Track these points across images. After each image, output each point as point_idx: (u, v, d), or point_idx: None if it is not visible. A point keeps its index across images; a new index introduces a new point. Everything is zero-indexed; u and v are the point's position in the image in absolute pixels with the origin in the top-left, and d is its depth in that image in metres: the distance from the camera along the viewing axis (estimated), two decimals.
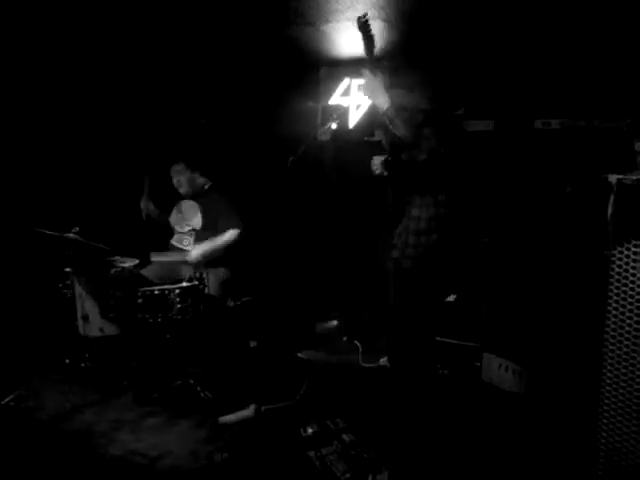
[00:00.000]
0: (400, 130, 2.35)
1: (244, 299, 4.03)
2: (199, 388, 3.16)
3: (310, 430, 2.76)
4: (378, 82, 2.38)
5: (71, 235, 3.37)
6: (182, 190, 3.82)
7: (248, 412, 2.92)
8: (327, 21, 3.51)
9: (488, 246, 3.84)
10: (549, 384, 3.24)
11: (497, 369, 3.48)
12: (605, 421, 2.05)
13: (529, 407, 3.16)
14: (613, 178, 1.75)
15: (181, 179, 3.79)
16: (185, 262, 3.49)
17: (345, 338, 4.37)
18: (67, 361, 3.49)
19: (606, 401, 2.04)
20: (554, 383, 3.22)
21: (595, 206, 2.56)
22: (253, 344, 3.91)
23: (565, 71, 3.69)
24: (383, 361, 3.79)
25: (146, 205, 3.85)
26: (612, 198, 1.76)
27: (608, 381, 2.03)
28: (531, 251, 3.65)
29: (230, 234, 3.62)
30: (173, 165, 3.81)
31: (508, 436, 2.82)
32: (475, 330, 3.85)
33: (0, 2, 3.06)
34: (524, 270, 3.66)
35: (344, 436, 2.70)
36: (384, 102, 2.36)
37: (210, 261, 3.59)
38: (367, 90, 2.41)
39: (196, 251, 3.52)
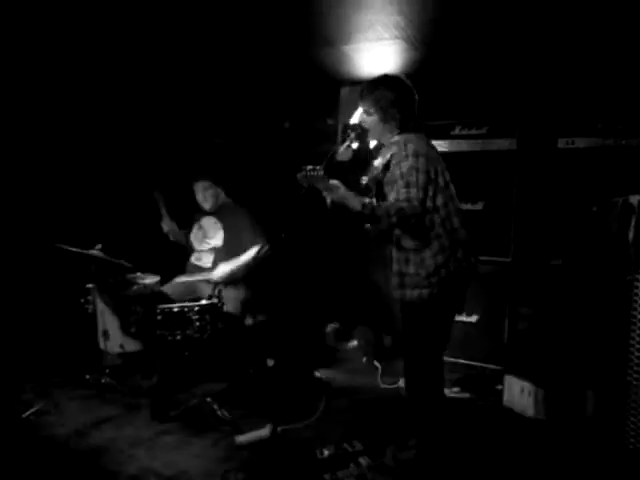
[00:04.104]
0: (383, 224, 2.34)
1: (262, 318, 4.03)
2: (216, 406, 3.14)
3: (326, 452, 2.71)
4: (341, 192, 2.35)
5: (94, 252, 3.42)
6: (207, 206, 3.80)
7: (264, 432, 2.89)
8: (348, 42, 3.55)
9: (511, 265, 3.78)
10: (574, 410, 3.14)
11: (519, 393, 3.39)
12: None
13: (552, 434, 3.07)
14: (635, 199, 1.68)
15: (207, 194, 3.77)
16: (208, 281, 3.51)
17: (365, 359, 4.32)
18: (87, 376, 3.52)
19: (632, 425, 1.96)
20: (579, 409, 3.13)
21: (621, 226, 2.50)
22: (271, 363, 3.89)
23: (589, 89, 3.65)
24: (402, 383, 3.73)
25: (170, 226, 3.88)
26: (633, 220, 1.69)
27: (634, 404, 1.95)
28: (555, 272, 3.58)
29: (253, 251, 3.59)
30: (199, 181, 3.78)
31: (530, 465, 2.73)
32: (497, 352, 3.78)
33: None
34: (549, 289, 3.58)
35: (361, 459, 2.65)
36: (358, 204, 2.31)
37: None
38: (340, 201, 2.36)
39: (220, 270, 3.53)
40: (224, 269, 3.52)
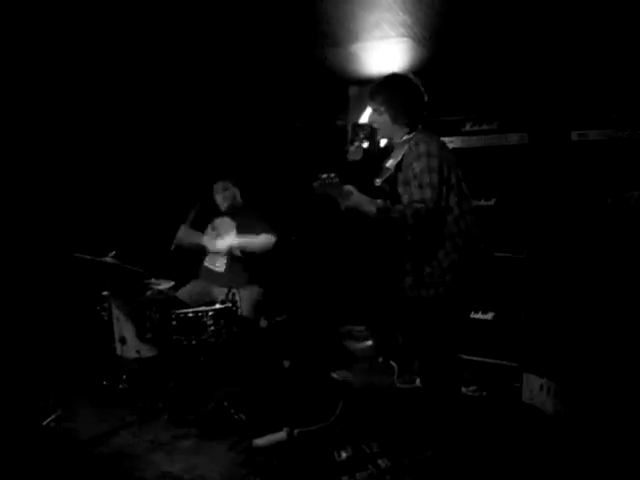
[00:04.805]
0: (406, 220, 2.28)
1: (277, 319, 4.03)
2: (233, 410, 3.15)
3: (344, 454, 2.71)
4: (355, 197, 2.35)
5: (108, 259, 3.45)
6: (224, 205, 3.86)
7: (281, 435, 2.89)
8: (354, 41, 3.53)
9: (526, 261, 3.74)
10: (595, 406, 3.10)
11: (538, 390, 3.35)
12: None
13: (573, 431, 3.03)
14: None
15: (227, 195, 3.84)
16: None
17: (380, 359, 4.30)
18: (105, 383, 3.55)
19: None
20: (600, 405, 3.08)
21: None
22: (287, 364, 3.89)
23: (602, 79, 3.59)
24: (419, 382, 3.71)
25: (186, 233, 3.88)
26: None
27: None
28: (572, 265, 3.53)
29: (265, 237, 3.65)
30: (220, 181, 3.85)
31: (551, 462, 2.70)
32: (514, 349, 3.74)
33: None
34: (566, 285, 3.54)
35: (379, 461, 2.64)
36: (372, 208, 2.31)
37: (242, 281, 3.61)
38: (355, 207, 2.36)
39: (226, 241, 3.63)
40: (228, 242, 3.61)
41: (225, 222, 3.87)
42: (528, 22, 3.20)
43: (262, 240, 3.65)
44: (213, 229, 3.89)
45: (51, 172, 4.29)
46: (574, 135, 3.57)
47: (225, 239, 3.68)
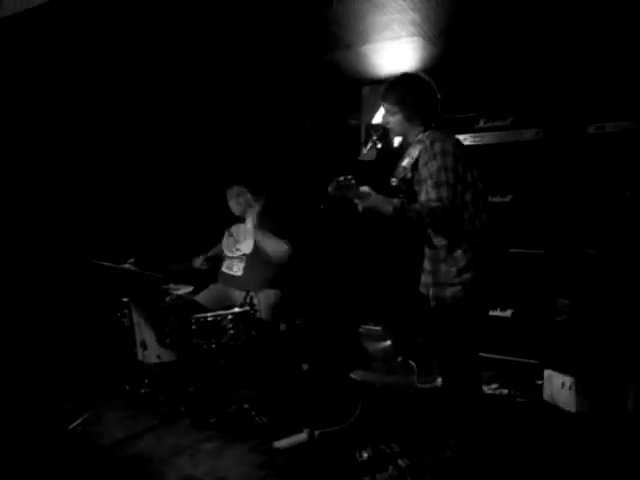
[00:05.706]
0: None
1: (296, 322, 4.05)
2: (254, 413, 3.17)
3: (365, 455, 2.70)
4: (372, 198, 2.33)
5: (127, 266, 3.51)
6: (238, 211, 3.86)
7: (302, 436, 2.91)
8: (365, 42, 3.54)
9: (544, 257, 3.71)
10: (618, 403, 3.06)
11: (560, 387, 3.32)
12: None
13: (596, 430, 2.99)
14: None
15: (240, 200, 3.83)
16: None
17: (400, 358, 4.29)
18: (127, 387, 3.59)
19: None
20: (624, 402, 3.04)
21: None
22: (306, 367, 3.90)
23: (617, 71, 3.55)
24: (439, 382, 3.70)
25: (199, 261, 3.98)
26: None
27: None
28: (590, 260, 3.50)
29: (279, 242, 3.63)
30: (233, 187, 3.84)
31: (573, 461, 2.67)
32: (534, 346, 3.71)
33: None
34: (584, 280, 3.50)
35: (400, 461, 2.63)
36: (389, 208, 2.29)
37: (260, 285, 3.64)
38: (372, 208, 2.35)
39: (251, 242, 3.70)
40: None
41: (241, 227, 3.88)
42: (540, 15, 3.18)
43: (276, 243, 3.61)
44: (230, 236, 3.92)
45: (72, 181, 4.37)
46: (590, 128, 3.54)
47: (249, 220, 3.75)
